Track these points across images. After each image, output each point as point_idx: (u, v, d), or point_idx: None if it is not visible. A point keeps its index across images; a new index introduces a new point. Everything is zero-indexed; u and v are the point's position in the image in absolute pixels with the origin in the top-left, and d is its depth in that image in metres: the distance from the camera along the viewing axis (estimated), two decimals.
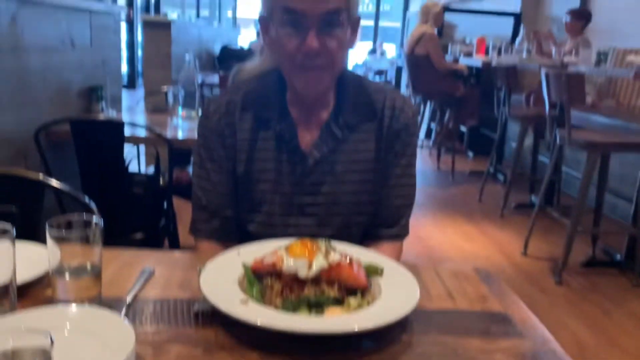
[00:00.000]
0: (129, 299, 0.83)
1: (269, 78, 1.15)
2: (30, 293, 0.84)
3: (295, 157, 1.11)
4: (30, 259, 0.87)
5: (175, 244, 2.30)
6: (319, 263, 0.83)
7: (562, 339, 2.34)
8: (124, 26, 8.46)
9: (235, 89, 1.17)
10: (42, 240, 1.20)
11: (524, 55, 4.36)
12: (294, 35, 1.01)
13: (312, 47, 1.00)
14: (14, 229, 0.73)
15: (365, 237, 1.19)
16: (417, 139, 1.22)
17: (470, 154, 5.88)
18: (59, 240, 0.77)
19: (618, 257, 3.06)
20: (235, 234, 1.17)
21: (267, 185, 1.12)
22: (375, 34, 13.88)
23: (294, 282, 0.82)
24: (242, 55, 7.06)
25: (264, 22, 1.10)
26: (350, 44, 1.08)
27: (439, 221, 3.77)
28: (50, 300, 0.79)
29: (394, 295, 0.83)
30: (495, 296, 0.95)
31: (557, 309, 2.55)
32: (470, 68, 5.30)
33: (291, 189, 1.12)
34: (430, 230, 3.55)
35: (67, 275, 0.79)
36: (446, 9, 6.12)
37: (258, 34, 10.79)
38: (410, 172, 1.19)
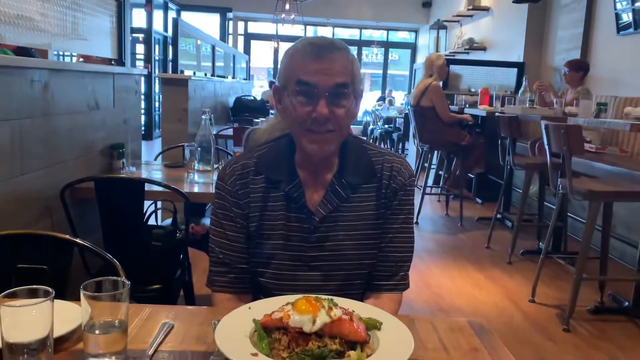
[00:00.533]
0: (150, 351, 0.92)
1: (279, 143, 1.28)
2: (63, 347, 0.93)
3: (302, 215, 1.23)
4: (61, 315, 0.97)
5: (190, 294, 2.39)
6: (322, 318, 0.91)
7: None
8: (142, 79, 8.81)
9: (249, 154, 1.29)
10: (69, 295, 1.31)
11: (527, 104, 4.48)
12: (306, 103, 1.15)
13: (323, 113, 1.13)
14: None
15: (367, 289, 1.29)
16: (413, 199, 1.32)
17: (479, 200, 5.95)
18: (92, 299, 0.87)
19: (626, 303, 3.08)
20: (248, 285, 1.28)
21: (277, 241, 1.23)
22: (384, 82, 14.21)
23: (299, 336, 0.91)
24: (254, 105, 7.30)
25: (279, 92, 1.22)
26: (354, 116, 1.21)
27: (448, 268, 3.81)
28: (82, 354, 0.88)
29: (391, 348, 0.91)
30: (486, 348, 1.02)
31: (565, 357, 2.57)
32: (475, 117, 5.44)
33: (299, 244, 1.23)
34: (439, 278, 3.59)
35: (97, 331, 0.88)
36: (450, 61, 6.33)
37: (270, 84, 11.13)
38: (407, 229, 1.29)
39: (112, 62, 3.32)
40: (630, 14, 4.73)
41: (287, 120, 1.22)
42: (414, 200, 1.32)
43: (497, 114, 4.60)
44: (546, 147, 3.23)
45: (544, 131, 3.20)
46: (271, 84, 11.24)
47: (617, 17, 4.92)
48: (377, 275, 1.28)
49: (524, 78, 5.27)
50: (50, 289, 0.83)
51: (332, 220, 1.23)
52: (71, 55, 8.46)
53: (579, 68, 4.61)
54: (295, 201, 1.23)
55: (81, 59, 5.10)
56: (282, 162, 1.25)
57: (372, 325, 0.98)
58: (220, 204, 1.26)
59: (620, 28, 4.91)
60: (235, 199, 1.24)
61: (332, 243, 1.23)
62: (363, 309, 1.03)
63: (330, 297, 0.99)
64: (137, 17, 10.60)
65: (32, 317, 0.81)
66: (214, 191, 1.31)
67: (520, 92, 4.96)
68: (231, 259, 1.26)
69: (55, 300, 0.95)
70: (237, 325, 0.96)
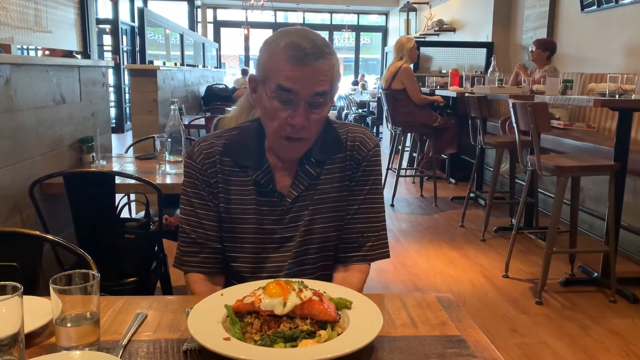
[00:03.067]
0: (124, 342, 0.93)
1: (249, 127, 1.28)
2: (35, 342, 0.93)
3: (273, 198, 1.23)
4: (33, 311, 0.97)
5: (167, 285, 2.39)
6: (292, 300, 0.93)
7: (543, 358, 2.49)
8: (110, 71, 8.65)
9: (218, 136, 1.28)
10: (40, 291, 1.30)
11: (496, 84, 4.55)
12: (283, 109, 1.14)
13: (299, 123, 1.13)
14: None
15: (335, 262, 1.30)
16: (380, 168, 1.32)
17: (453, 180, 6.04)
18: (62, 293, 0.87)
19: (595, 274, 3.18)
20: (221, 265, 1.27)
21: (249, 225, 1.24)
22: (357, 66, 14.22)
23: (271, 318, 0.93)
24: (226, 94, 7.24)
25: (255, 82, 1.20)
26: (329, 110, 1.21)
27: (423, 248, 3.88)
28: (54, 348, 0.89)
29: (361, 326, 0.94)
30: (453, 321, 1.06)
31: (538, 329, 2.65)
32: (446, 98, 5.50)
33: (271, 227, 1.24)
34: (415, 258, 3.65)
35: (68, 324, 0.89)
36: (420, 43, 6.36)
37: (243, 72, 11.04)
38: (374, 199, 1.29)
39: (74, 54, 3.26)
40: None
41: (262, 114, 1.22)
42: (380, 171, 1.32)
43: (466, 94, 4.65)
44: (515, 125, 3.29)
45: (511, 109, 3.26)
46: (243, 71, 11.16)
47: None
48: (344, 247, 1.28)
49: (492, 58, 5.34)
50: (18, 285, 0.83)
51: (303, 199, 1.24)
52: (36, 50, 8.25)
53: (546, 47, 4.69)
54: (264, 186, 1.23)
55: (47, 52, 4.98)
56: (251, 147, 1.25)
57: (343, 305, 1.00)
58: (190, 182, 1.25)
59: (584, 5, 4.99)
60: (205, 177, 1.24)
61: (304, 221, 1.24)
62: (333, 290, 1.06)
63: (300, 279, 1.01)
64: (103, 8, 10.37)
65: (2, 314, 0.81)
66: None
67: (489, 71, 5.02)
68: (203, 239, 1.25)
69: (27, 296, 0.96)
70: (209, 312, 0.97)
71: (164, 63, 5.64)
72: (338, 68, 1.19)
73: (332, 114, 12.58)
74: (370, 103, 9.97)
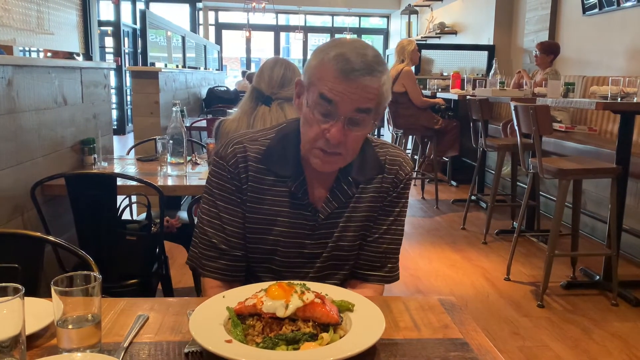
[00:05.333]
0: (125, 344, 0.93)
1: (287, 133, 1.21)
2: (37, 344, 0.93)
3: (306, 212, 1.20)
4: (34, 312, 0.97)
5: (168, 287, 2.38)
6: (294, 303, 0.93)
7: None
8: (112, 73, 8.67)
9: (252, 139, 1.21)
10: (41, 292, 1.30)
11: (497, 87, 4.55)
12: (323, 120, 1.10)
13: (336, 138, 1.09)
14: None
15: (352, 278, 1.28)
16: (409, 192, 1.31)
17: (454, 183, 6.04)
18: (63, 295, 0.87)
19: (597, 277, 3.17)
20: (242, 273, 1.23)
21: (278, 237, 1.20)
22: None
23: (273, 321, 0.93)
24: (228, 96, 7.24)
25: (301, 87, 1.16)
26: (372, 129, 1.17)
27: (425, 250, 3.87)
28: (55, 349, 0.89)
29: (363, 328, 0.94)
30: (456, 324, 1.05)
31: (540, 332, 2.64)
32: (447, 101, 5.50)
33: (301, 241, 1.21)
34: (417, 261, 3.65)
35: (70, 326, 0.88)
36: (422, 45, 6.36)
37: (243, 73, 11.03)
38: (400, 221, 1.28)
39: (74, 56, 3.26)
40: None
41: (302, 121, 1.17)
42: (408, 194, 1.31)
43: (468, 97, 4.65)
44: (516, 128, 3.29)
45: (513, 112, 3.26)
46: (244, 73, 11.16)
47: None
48: (365, 265, 1.27)
49: (494, 61, 5.34)
50: (19, 286, 0.83)
51: (335, 217, 1.21)
52: (38, 51, 8.26)
53: (550, 51, 4.69)
54: (300, 198, 1.19)
55: (49, 54, 4.99)
56: (289, 156, 1.19)
57: (345, 307, 1.00)
58: (219, 184, 1.20)
59: (586, 8, 4.99)
60: (236, 181, 1.19)
61: (334, 239, 1.22)
62: (336, 292, 1.05)
63: (302, 282, 1.01)
64: (105, 10, 10.39)
65: (3, 316, 0.81)
66: (210, 171, 1.23)
67: (490, 74, 5.02)
68: (225, 244, 1.20)
69: (28, 298, 0.95)
70: (211, 314, 0.97)
71: (166, 65, 5.64)
72: (389, 87, 1.13)
73: None
74: None
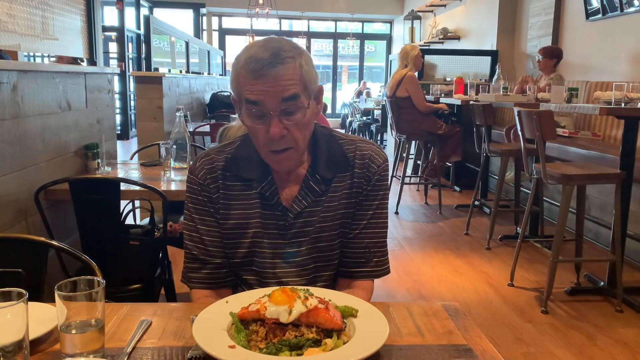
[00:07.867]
0: (128, 349, 0.92)
1: (250, 140, 1.24)
2: (40, 348, 0.93)
3: (277, 212, 1.22)
4: (37, 317, 0.97)
5: (171, 292, 2.38)
6: (298, 308, 0.93)
7: None
8: (116, 78, 8.70)
9: (219, 150, 1.27)
10: (45, 297, 1.30)
11: (501, 92, 4.55)
12: (259, 123, 1.12)
13: (276, 133, 1.11)
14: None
15: (339, 276, 1.29)
16: (388, 185, 1.32)
17: (457, 188, 6.03)
18: (66, 299, 0.87)
19: (601, 283, 3.16)
20: (226, 279, 1.26)
21: (254, 239, 1.23)
22: (361, 75, 14.26)
23: (276, 326, 0.92)
24: (231, 101, 7.26)
25: (235, 103, 1.19)
26: (315, 116, 1.19)
27: (428, 256, 3.86)
28: (59, 354, 0.89)
29: (367, 334, 0.93)
30: (460, 330, 1.05)
31: (544, 338, 2.63)
32: (450, 106, 5.50)
33: (275, 241, 1.23)
34: (420, 266, 3.64)
35: (73, 331, 0.88)
36: (425, 51, 6.37)
37: None
38: (381, 214, 1.28)
39: (78, 61, 3.28)
40: (599, 0, 4.81)
41: (249, 133, 1.21)
42: (388, 185, 1.31)
43: (471, 102, 4.65)
44: (520, 133, 3.28)
45: (517, 117, 3.25)
46: None
47: (586, 2, 5.01)
48: (350, 262, 1.27)
49: (497, 66, 5.34)
50: (23, 291, 0.83)
51: (307, 215, 1.23)
52: (42, 56, 8.30)
53: (553, 55, 4.69)
54: (269, 199, 1.22)
55: (52, 58, 5.02)
56: (253, 159, 1.23)
57: (348, 313, 0.99)
58: (192, 197, 1.25)
59: (590, 14, 4.99)
60: (206, 192, 1.23)
61: (308, 237, 1.23)
62: (339, 298, 1.05)
63: (306, 287, 1.01)
64: (109, 15, 10.44)
65: (7, 320, 0.81)
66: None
67: (494, 79, 5.02)
68: (204, 255, 1.24)
69: (31, 303, 0.95)
70: (214, 319, 0.97)
71: (169, 70, 5.66)
72: (309, 68, 1.13)
73: (336, 122, 12.60)
74: (375, 111, 9.97)
